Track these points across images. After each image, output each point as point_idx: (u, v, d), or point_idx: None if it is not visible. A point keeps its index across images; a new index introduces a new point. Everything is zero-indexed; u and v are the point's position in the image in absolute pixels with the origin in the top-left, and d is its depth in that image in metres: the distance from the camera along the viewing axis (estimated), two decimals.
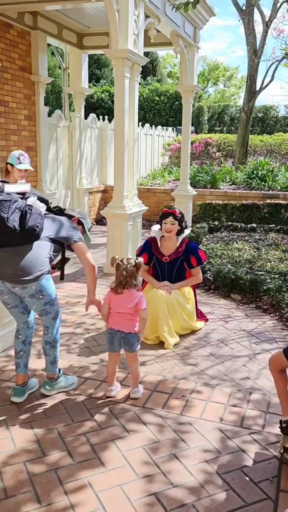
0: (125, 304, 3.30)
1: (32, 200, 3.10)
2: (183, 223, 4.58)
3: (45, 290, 3.15)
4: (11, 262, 3.03)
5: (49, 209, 3.37)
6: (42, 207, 3.15)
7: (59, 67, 13.43)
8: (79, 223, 3.57)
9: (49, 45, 9.45)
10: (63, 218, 3.41)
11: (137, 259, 3.39)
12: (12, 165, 4.48)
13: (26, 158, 4.52)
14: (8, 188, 3.12)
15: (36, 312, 3.26)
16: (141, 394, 3.44)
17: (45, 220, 3.19)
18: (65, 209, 3.59)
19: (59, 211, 3.48)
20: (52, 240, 3.23)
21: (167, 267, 4.62)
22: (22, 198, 3.10)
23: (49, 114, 9.27)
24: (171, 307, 4.42)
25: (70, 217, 3.50)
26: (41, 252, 3.11)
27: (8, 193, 3.07)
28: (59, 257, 3.37)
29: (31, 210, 3.01)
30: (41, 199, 3.27)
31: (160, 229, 4.65)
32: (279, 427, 2.79)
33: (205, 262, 4.80)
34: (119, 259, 3.35)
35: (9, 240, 3.00)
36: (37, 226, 3.03)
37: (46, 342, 3.36)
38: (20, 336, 3.41)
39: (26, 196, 3.14)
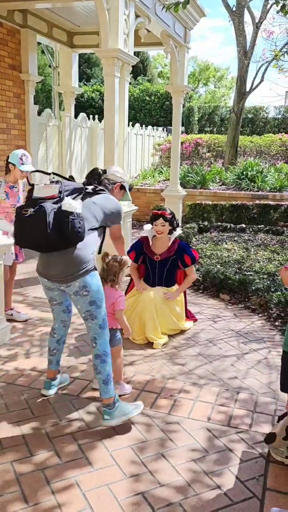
0: (107, 302, 3.29)
1: (67, 204, 2.84)
2: (174, 222, 4.60)
3: (89, 286, 2.97)
4: (56, 263, 2.94)
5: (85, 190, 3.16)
6: (78, 205, 2.88)
7: (49, 66, 13.39)
8: (122, 187, 3.51)
9: (39, 43, 9.43)
10: (102, 199, 3.17)
11: (121, 257, 3.41)
12: (14, 164, 4.47)
13: (28, 159, 4.52)
14: (37, 193, 2.92)
15: (81, 314, 3.05)
16: (124, 392, 3.44)
17: (84, 209, 2.99)
18: (104, 171, 3.41)
19: (95, 188, 3.24)
20: (95, 228, 3.11)
21: (158, 266, 4.63)
22: (55, 202, 2.87)
23: (39, 113, 9.24)
24: (159, 308, 4.42)
25: (112, 182, 3.41)
26: (86, 249, 2.97)
27: (40, 199, 2.87)
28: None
29: (69, 217, 2.79)
30: (73, 190, 3.07)
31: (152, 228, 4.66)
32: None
33: (198, 260, 4.85)
34: (105, 255, 3.40)
35: (53, 247, 2.89)
36: (79, 232, 2.84)
37: (96, 356, 3.06)
38: (55, 335, 3.38)
39: (56, 198, 2.89)
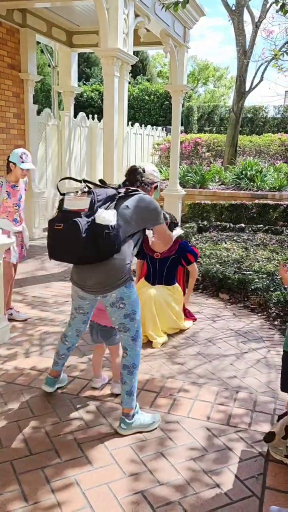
0: None
1: (101, 217, 2.70)
2: (173, 224, 4.59)
3: (126, 298, 2.89)
4: (92, 275, 2.85)
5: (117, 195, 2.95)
6: (112, 217, 2.73)
7: (49, 65, 13.38)
8: (156, 186, 3.30)
9: (38, 43, 9.43)
10: (135, 200, 2.96)
11: None
12: (14, 163, 4.48)
13: (28, 157, 4.54)
14: (68, 205, 2.81)
15: (115, 325, 3.00)
16: (120, 391, 3.43)
17: (119, 217, 2.80)
18: (142, 170, 3.17)
19: (127, 191, 3.00)
20: (132, 235, 2.97)
21: (158, 263, 4.64)
22: (88, 215, 2.77)
23: (38, 113, 9.24)
24: (159, 307, 4.43)
25: (151, 182, 3.21)
26: (123, 259, 2.86)
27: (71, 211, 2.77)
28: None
29: (103, 231, 2.68)
30: (106, 199, 2.89)
31: None
32: None
33: (197, 260, 4.91)
34: None
35: (89, 261, 2.81)
36: (115, 245, 2.74)
37: (124, 367, 3.02)
38: (67, 343, 3.32)
39: (88, 211, 2.77)
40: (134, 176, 3.17)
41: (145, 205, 2.98)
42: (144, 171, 3.20)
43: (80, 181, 2.95)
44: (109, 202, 2.89)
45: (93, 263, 2.80)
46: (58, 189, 3.04)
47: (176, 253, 4.62)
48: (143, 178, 3.18)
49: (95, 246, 2.71)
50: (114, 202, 2.89)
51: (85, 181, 2.93)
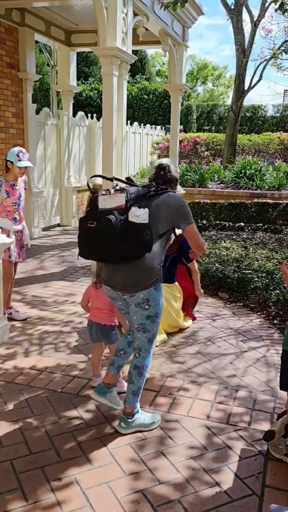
0: (104, 299, 3.31)
1: (134, 215, 2.71)
2: None
3: (152, 300, 2.87)
4: (122, 274, 2.83)
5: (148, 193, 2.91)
6: (145, 215, 2.72)
7: (47, 65, 13.37)
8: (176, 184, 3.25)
9: (37, 42, 9.42)
10: (166, 198, 2.93)
11: None
12: (11, 162, 4.48)
13: (25, 155, 4.54)
14: (103, 204, 2.77)
15: (135, 323, 2.96)
16: (122, 389, 3.42)
17: (150, 215, 2.76)
18: (173, 179, 3.12)
19: (157, 189, 2.95)
20: (163, 234, 2.95)
21: None
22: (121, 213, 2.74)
23: (37, 112, 9.23)
24: None
25: (176, 180, 3.15)
26: (154, 259, 2.84)
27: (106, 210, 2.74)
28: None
29: (137, 229, 2.69)
30: (137, 197, 2.82)
31: None
32: None
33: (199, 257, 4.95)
34: None
35: (120, 260, 2.81)
36: (147, 244, 2.73)
37: (134, 367, 2.99)
38: (129, 336, 3.19)
39: (122, 209, 2.75)
40: (164, 174, 3.11)
41: (176, 204, 2.95)
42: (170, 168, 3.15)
43: (111, 179, 2.95)
44: (142, 200, 2.84)
45: (125, 262, 2.79)
46: (89, 187, 2.98)
47: (176, 252, 4.62)
48: (170, 176, 3.13)
49: (127, 244, 2.69)
50: (146, 200, 2.85)
51: (115, 179, 2.93)
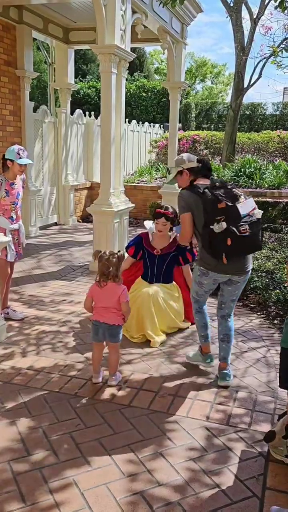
0: (110, 297, 3.38)
1: (258, 213, 3.37)
2: (176, 220, 4.58)
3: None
4: (246, 262, 3.49)
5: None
6: (260, 213, 3.39)
7: (45, 62, 13.31)
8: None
9: (34, 39, 9.36)
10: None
11: (119, 251, 3.47)
12: (11, 160, 4.45)
13: (25, 152, 4.52)
14: (245, 209, 3.30)
15: (233, 297, 3.62)
16: (117, 382, 3.52)
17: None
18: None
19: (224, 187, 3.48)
20: None
21: (158, 260, 4.61)
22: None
23: (35, 110, 9.19)
24: (157, 306, 4.40)
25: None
26: None
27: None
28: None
29: (260, 224, 3.35)
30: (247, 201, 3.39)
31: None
32: None
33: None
34: (102, 252, 3.43)
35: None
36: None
37: (231, 328, 3.68)
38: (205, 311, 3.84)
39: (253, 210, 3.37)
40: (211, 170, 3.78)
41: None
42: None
43: (229, 189, 3.40)
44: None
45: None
46: (219, 198, 3.31)
47: (176, 250, 4.61)
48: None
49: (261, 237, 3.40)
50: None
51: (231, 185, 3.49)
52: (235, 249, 3.26)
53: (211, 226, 3.26)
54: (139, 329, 4.37)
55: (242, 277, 3.53)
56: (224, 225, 3.22)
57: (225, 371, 3.60)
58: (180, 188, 3.70)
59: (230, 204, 3.25)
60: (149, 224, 4.82)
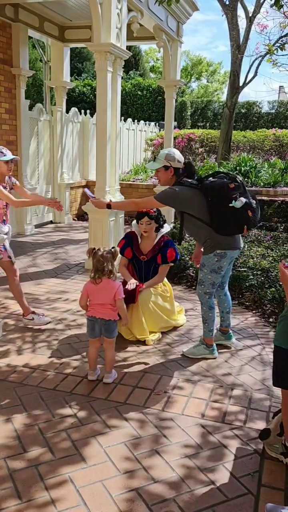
0: (106, 294, 3.39)
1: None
2: (160, 219, 4.52)
3: None
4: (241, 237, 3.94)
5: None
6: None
7: (40, 60, 13.29)
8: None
9: (30, 37, 9.34)
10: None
11: (113, 247, 3.47)
12: None
13: (7, 150, 4.44)
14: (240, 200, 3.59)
15: (229, 273, 4.18)
16: (112, 380, 3.53)
17: None
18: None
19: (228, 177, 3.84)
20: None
21: (144, 265, 4.56)
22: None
23: (30, 108, 9.17)
24: (146, 311, 4.30)
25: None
26: None
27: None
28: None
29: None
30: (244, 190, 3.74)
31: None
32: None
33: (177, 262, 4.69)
34: (96, 248, 3.43)
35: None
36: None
37: (230, 302, 4.26)
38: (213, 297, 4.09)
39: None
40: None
41: None
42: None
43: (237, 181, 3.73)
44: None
45: None
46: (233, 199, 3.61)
47: (158, 250, 4.49)
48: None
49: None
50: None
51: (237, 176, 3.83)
52: (254, 219, 3.65)
53: (231, 204, 3.55)
54: (130, 332, 4.32)
55: (239, 251, 3.97)
56: (243, 199, 3.56)
57: (230, 333, 4.26)
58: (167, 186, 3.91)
59: (238, 182, 3.64)
60: (135, 224, 4.61)
